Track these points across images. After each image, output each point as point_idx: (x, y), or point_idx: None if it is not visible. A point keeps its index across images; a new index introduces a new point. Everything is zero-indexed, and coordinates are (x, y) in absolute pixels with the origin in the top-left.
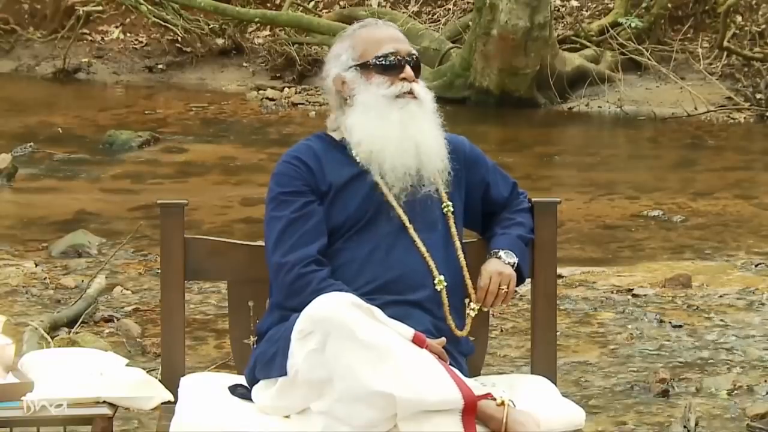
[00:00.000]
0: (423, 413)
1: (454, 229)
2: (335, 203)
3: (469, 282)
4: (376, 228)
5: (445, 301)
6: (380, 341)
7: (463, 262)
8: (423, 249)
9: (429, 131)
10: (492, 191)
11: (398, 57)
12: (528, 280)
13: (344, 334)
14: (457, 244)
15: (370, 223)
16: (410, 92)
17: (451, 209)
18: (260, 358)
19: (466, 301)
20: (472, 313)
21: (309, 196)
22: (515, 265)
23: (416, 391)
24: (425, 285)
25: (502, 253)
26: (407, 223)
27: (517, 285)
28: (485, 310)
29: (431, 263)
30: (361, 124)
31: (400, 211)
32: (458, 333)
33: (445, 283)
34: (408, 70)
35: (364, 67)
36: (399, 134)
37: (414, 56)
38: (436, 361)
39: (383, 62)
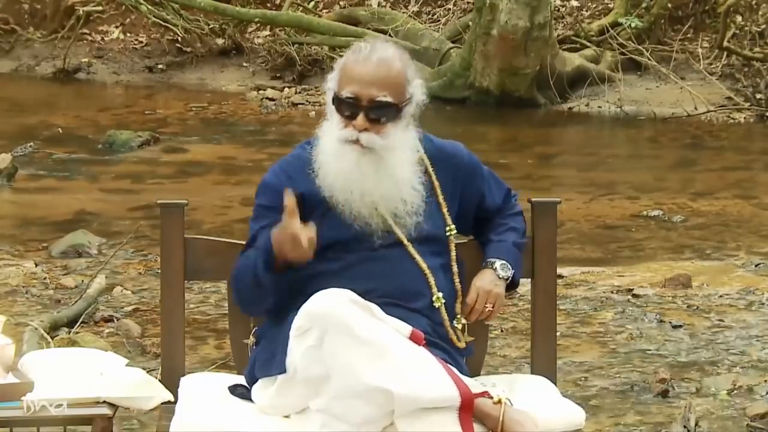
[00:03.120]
0: (420, 410)
1: (454, 253)
2: (329, 216)
3: (458, 305)
4: (373, 241)
5: (445, 317)
6: (378, 338)
7: (458, 286)
8: (422, 263)
9: (376, 179)
10: (486, 200)
11: (354, 103)
12: (528, 280)
13: (342, 331)
14: (455, 269)
15: (367, 236)
16: (357, 141)
17: (454, 231)
18: (260, 356)
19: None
20: (459, 326)
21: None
22: (510, 279)
23: (414, 388)
24: (423, 295)
25: (498, 264)
26: (404, 239)
27: (509, 291)
28: (469, 322)
29: (431, 280)
30: (319, 154)
31: (396, 229)
32: (459, 344)
33: (443, 301)
34: (359, 120)
35: (333, 99)
36: (340, 182)
37: (378, 102)
38: (434, 359)
39: (339, 104)
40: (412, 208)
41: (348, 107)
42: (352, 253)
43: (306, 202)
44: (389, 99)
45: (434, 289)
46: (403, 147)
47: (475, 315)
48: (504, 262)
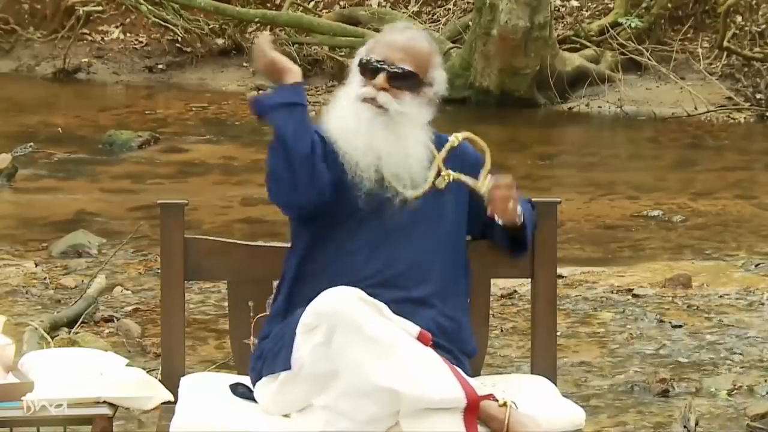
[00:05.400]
0: (425, 411)
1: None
2: (343, 185)
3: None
4: (384, 219)
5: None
6: (386, 337)
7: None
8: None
9: (384, 139)
10: None
11: (380, 63)
12: (528, 280)
13: (351, 328)
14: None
15: (378, 213)
16: (374, 99)
17: (452, 176)
18: (267, 354)
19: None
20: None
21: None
22: (521, 216)
23: (420, 389)
24: (429, 279)
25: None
26: (414, 217)
27: (518, 253)
28: (483, 192)
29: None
30: (331, 113)
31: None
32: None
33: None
34: (379, 78)
35: (359, 64)
36: (351, 135)
37: (402, 69)
38: (441, 360)
39: (364, 63)
40: (414, 179)
41: (372, 68)
42: (359, 232)
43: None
44: (412, 68)
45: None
46: (415, 120)
47: (496, 197)
48: (519, 206)
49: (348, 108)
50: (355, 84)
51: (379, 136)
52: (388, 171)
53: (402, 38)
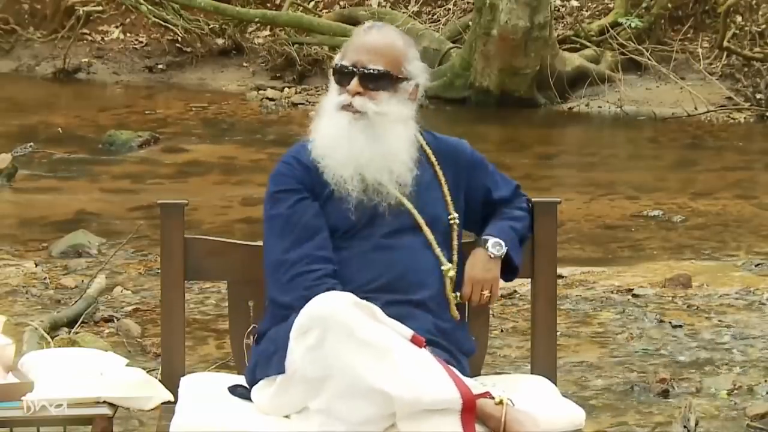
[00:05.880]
0: (422, 412)
1: (456, 242)
2: (333, 202)
3: (448, 290)
4: (377, 226)
5: (449, 287)
6: (379, 340)
7: (452, 276)
8: (428, 233)
9: (364, 144)
10: (493, 194)
11: (349, 68)
12: (528, 280)
13: (343, 333)
14: (455, 257)
15: (371, 221)
16: (350, 105)
17: (457, 221)
18: (261, 357)
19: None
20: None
21: (302, 193)
22: (503, 255)
23: (414, 391)
24: (427, 284)
25: (490, 242)
26: (411, 222)
27: (510, 278)
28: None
29: (437, 251)
30: (317, 126)
31: (405, 208)
32: (455, 314)
33: (453, 273)
34: (352, 83)
35: (333, 72)
36: (328, 145)
37: (372, 70)
38: (435, 361)
39: (337, 70)
40: (399, 180)
41: (344, 74)
42: (353, 241)
43: (313, 189)
44: (382, 67)
45: (442, 259)
46: (396, 119)
47: (474, 304)
48: (497, 239)
49: (328, 119)
50: (332, 93)
51: (358, 142)
52: (371, 176)
53: (369, 38)
